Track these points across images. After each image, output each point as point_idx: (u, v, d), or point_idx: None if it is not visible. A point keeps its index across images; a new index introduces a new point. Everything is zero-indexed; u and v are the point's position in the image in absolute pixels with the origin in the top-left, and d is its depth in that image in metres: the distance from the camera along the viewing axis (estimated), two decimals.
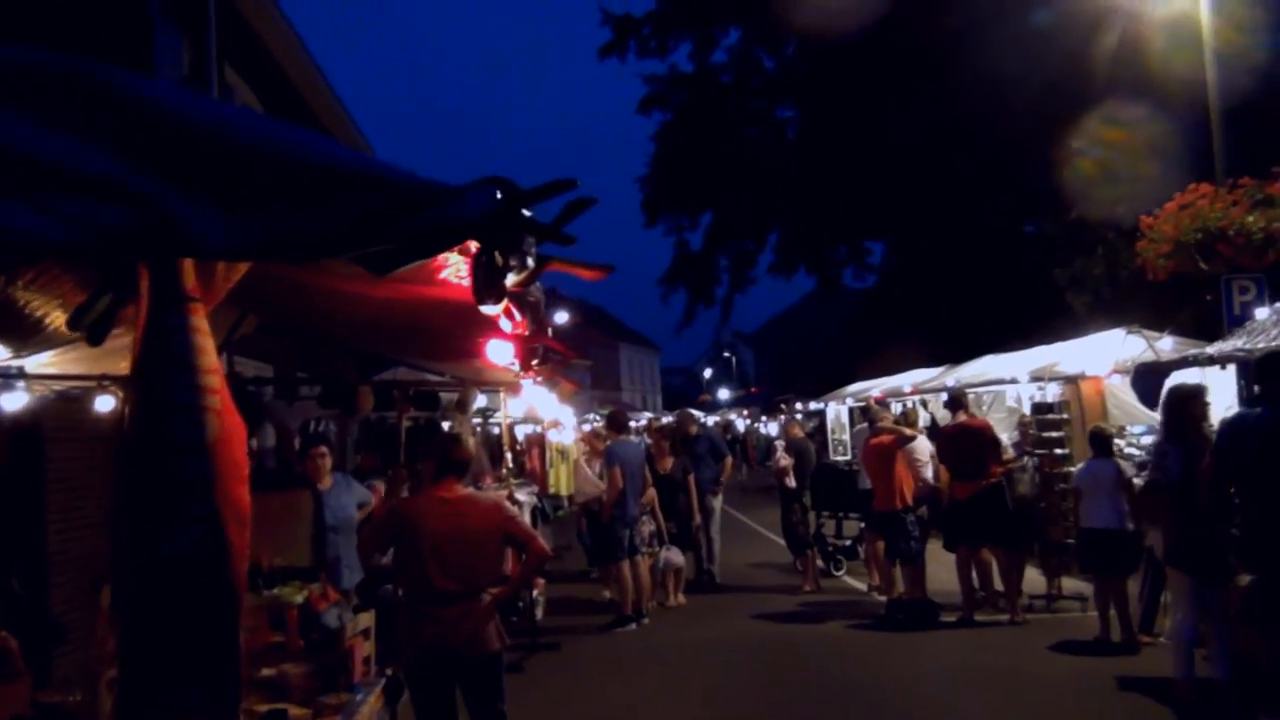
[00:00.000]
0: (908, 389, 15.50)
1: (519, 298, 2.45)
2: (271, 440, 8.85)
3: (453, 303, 2.93)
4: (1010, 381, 11.88)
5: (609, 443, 10.02)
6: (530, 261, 1.86)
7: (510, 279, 1.88)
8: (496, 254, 1.78)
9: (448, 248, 1.88)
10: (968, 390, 11.51)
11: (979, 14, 17.88)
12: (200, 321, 2.17)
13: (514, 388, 7.07)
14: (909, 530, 9.23)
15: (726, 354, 67.09)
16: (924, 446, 10.28)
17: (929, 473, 10.07)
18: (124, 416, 5.06)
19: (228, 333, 6.54)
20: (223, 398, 2.20)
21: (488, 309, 2.05)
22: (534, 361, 3.83)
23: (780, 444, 11.63)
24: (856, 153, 22.94)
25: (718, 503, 11.76)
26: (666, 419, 23.26)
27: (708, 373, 71.45)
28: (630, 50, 27.89)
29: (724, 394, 62.64)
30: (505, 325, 2.81)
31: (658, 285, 30.89)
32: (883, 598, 9.83)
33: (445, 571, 4.38)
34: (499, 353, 3.55)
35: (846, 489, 12.23)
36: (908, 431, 9.84)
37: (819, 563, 11.36)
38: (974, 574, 9.19)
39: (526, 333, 3.10)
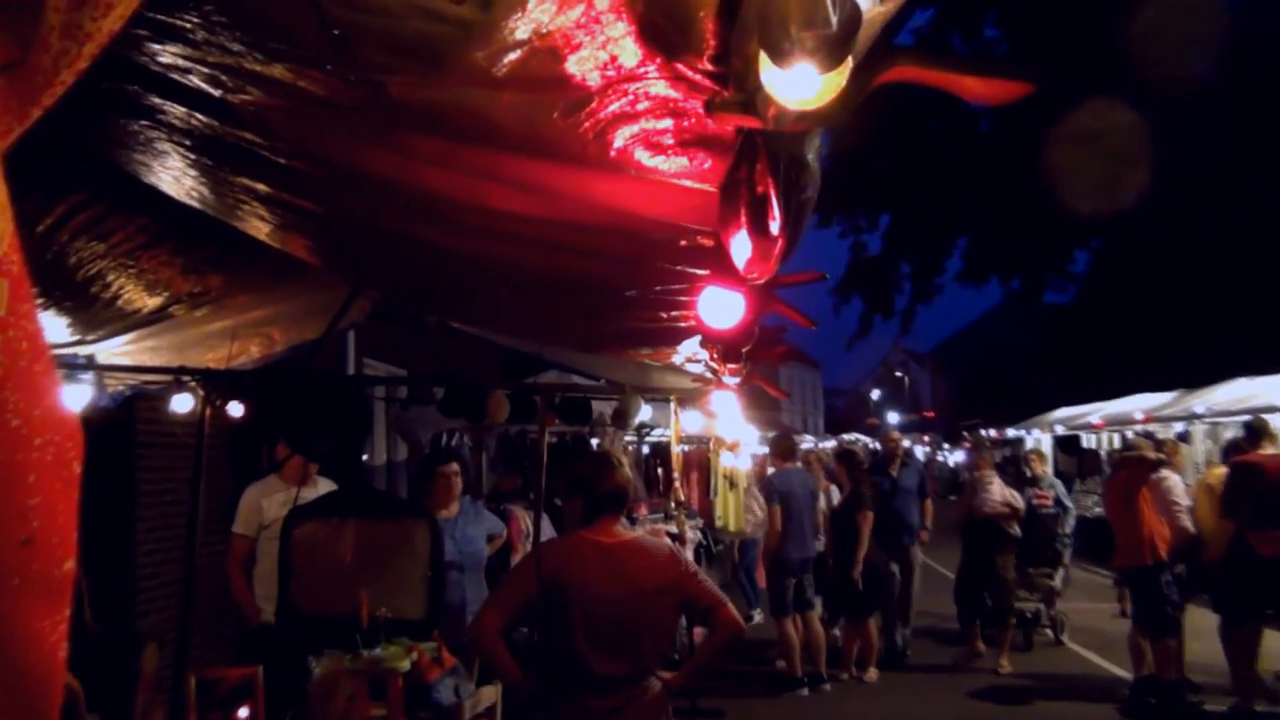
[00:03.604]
0: (1139, 416, 13.17)
1: (793, 164, 1.21)
2: (384, 456, 7.78)
3: (655, 225, 1.90)
4: None
5: (770, 471, 8.49)
6: None
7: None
8: None
9: None
10: (1218, 419, 9.36)
11: None
12: None
13: (698, 396, 5.65)
14: (1163, 592, 7.41)
15: (899, 373, 63.92)
16: (1179, 486, 8.29)
17: (1186, 519, 8.09)
18: None
19: (334, 317, 5.48)
20: (15, 339, 0.97)
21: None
22: (745, 349, 2.44)
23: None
24: (1062, 142, 20.42)
25: (919, 555, 9.43)
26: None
27: (875, 394, 68.35)
28: None
29: (893, 418, 59.63)
30: (740, 246, 1.46)
31: (831, 294, 28.55)
32: (1127, 675, 7.96)
33: (601, 646, 3.13)
34: (718, 310, 2.13)
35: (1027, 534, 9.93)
36: (1151, 455, 7.95)
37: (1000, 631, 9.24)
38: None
39: (773, 268, 1.74)
